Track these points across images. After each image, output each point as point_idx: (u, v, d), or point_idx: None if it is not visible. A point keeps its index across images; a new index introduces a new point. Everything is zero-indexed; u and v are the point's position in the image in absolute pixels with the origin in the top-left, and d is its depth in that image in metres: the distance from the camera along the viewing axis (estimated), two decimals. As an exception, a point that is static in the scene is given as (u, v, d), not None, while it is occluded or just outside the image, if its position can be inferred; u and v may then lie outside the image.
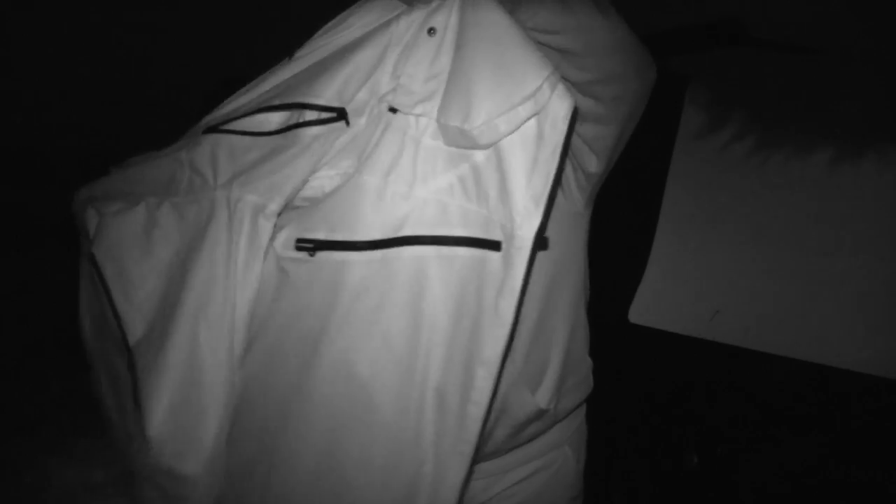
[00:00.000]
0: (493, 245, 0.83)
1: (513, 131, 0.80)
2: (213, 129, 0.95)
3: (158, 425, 0.85)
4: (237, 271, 0.88)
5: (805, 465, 1.69)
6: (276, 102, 0.91)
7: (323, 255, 0.87)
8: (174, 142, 1.03)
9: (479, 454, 1.03)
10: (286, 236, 0.89)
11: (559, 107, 0.78)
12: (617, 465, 1.99)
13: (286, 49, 0.98)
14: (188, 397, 0.87)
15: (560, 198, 1.01)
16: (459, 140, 0.84)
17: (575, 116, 0.79)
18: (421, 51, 0.87)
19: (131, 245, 0.92)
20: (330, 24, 0.95)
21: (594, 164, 0.99)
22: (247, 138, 0.92)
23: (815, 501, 1.69)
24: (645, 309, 1.87)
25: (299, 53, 0.95)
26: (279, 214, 0.90)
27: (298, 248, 0.88)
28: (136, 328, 0.91)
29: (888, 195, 1.64)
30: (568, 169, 1.00)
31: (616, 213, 1.10)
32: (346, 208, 0.87)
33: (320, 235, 0.87)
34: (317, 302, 0.87)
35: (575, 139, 0.96)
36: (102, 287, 0.94)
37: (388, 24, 0.89)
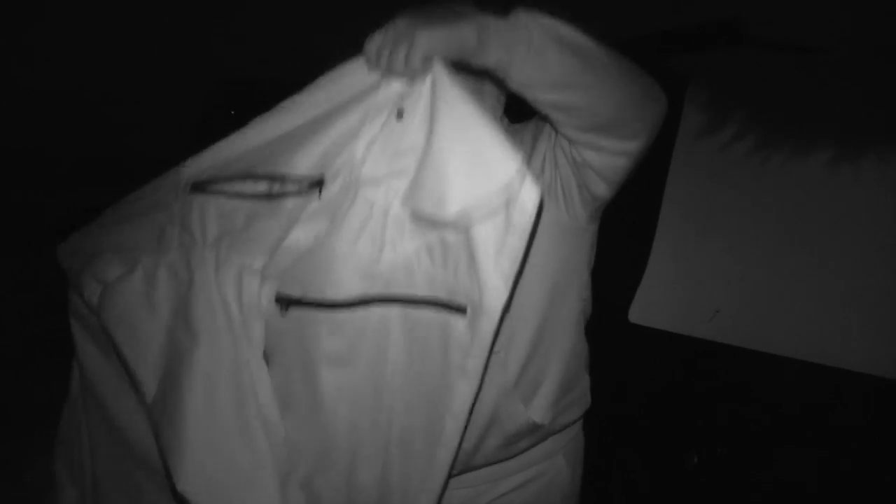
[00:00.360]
0: (458, 309, 0.86)
1: (484, 220, 0.82)
2: (202, 187, 0.99)
3: (188, 479, 0.87)
4: (236, 328, 0.94)
5: (805, 464, 1.69)
6: (260, 171, 0.95)
7: (295, 312, 0.93)
8: (173, 142, 1.03)
9: (469, 464, 1.03)
10: (268, 289, 0.95)
11: (527, 196, 0.80)
12: (617, 466, 1.99)
13: (286, 50, 0.98)
14: (220, 453, 0.90)
15: (563, 213, 1.02)
16: (431, 223, 0.87)
17: (542, 206, 0.82)
18: (388, 130, 0.90)
19: (137, 308, 0.98)
20: (310, 85, 0.95)
21: (602, 190, 0.99)
22: (234, 201, 0.97)
23: (815, 501, 1.69)
24: (645, 309, 1.87)
25: (282, 105, 0.96)
26: (262, 270, 0.95)
27: (277, 302, 0.94)
28: (150, 387, 0.96)
29: (888, 195, 1.65)
30: (572, 186, 1.00)
31: (616, 212, 1.10)
32: (317, 270, 0.92)
33: (295, 293, 0.93)
34: (290, 353, 0.94)
35: (581, 167, 0.96)
36: (115, 351, 0.99)
37: (367, 93, 0.90)
